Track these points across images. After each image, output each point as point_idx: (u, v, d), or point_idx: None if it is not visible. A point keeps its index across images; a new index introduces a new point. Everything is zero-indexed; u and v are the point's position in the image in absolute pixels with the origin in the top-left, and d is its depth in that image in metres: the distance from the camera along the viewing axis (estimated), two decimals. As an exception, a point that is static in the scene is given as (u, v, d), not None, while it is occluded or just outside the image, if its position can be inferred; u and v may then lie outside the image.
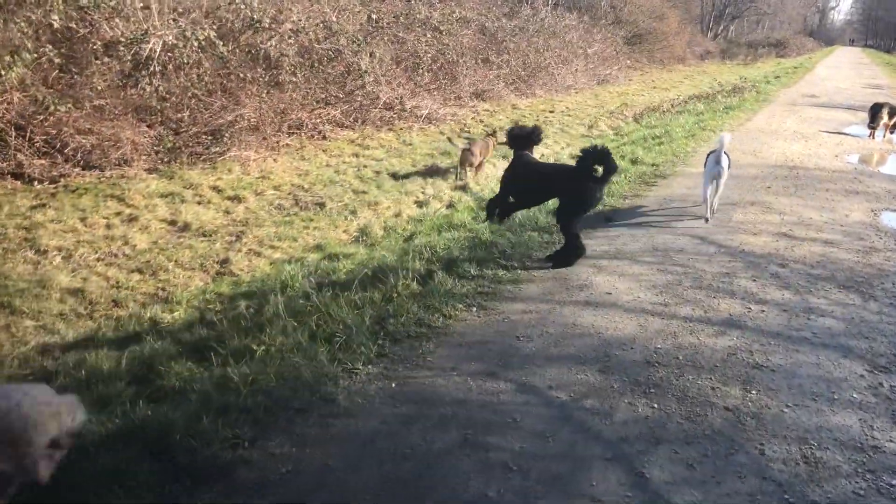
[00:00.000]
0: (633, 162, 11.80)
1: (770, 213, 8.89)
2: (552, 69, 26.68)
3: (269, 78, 15.08)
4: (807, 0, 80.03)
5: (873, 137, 15.66)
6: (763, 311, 5.76)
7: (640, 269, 6.72)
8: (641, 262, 6.90)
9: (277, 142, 14.09)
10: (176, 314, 6.21)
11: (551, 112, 21.30)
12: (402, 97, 17.92)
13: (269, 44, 15.19)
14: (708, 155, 8.74)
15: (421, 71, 20.02)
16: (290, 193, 11.33)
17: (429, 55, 20.49)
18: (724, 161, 8.41)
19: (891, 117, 15.61)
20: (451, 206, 11.14)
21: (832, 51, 70.85)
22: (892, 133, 15.77)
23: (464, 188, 11.49)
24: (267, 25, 15.34)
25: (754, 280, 6.47)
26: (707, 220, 8.49)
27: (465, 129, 17.22)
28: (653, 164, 11.65)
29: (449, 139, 14.35)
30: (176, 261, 7.70)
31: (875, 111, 15.51)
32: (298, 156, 13.52)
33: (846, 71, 36.34)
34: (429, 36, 21.20)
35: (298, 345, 4.90)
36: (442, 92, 20.43)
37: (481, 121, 18.54)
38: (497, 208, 7.33)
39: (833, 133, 16.15)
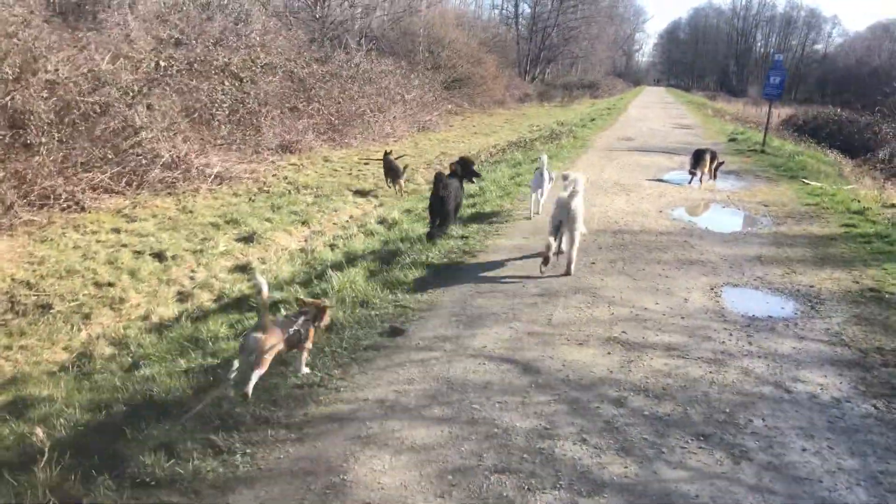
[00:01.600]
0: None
1: (597, 306, 7.02)
2: (368, 117, 24.66)
3: (10, 139, 12.11)
4: (614, 43, 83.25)
5: (693, 182, 14.85)
6: (599, 507, 3.70)
7: (424, 434, 4.49)
8: (427, 421, 4.66)
9: (13, 219, 11.10)
10: None
11: (366, 164, 19.19)
12: (188, 154, 15.21)
13: (7, 99, 12.22)
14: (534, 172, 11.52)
15: (216, 123, 17.42)
16: (5, 293, 8.53)
17: (226, 105, 17.93)
18: (546, 175, 11.29)
19: (712, 162, 15.02)
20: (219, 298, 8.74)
21: (640, 90, 73.72)
22: (713, 179, 14.81)
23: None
24: (10, 76, 12.39)
25: (582, 440, 4.41)
26: (530, 217, 11.16)
27: (265, 186, 14.77)
28: (462, 237, 9.66)
29: (253, 274, 9.44)
30: None
31: (698, 157, 15.03)
32: (39, 236, 10.62)
33: (656, 111, 36.76)
34: (227, 84, 18.64)
35: None
36: (242, 146, 17.85)
37: (285, 177, 16.14)
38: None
39: (653, 181, 14.97)
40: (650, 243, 9.57)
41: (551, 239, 7.86)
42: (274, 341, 4.90)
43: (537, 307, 6.89)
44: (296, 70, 22.97)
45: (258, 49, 21.38)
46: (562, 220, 7.92)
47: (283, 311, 6.75)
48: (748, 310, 7.15)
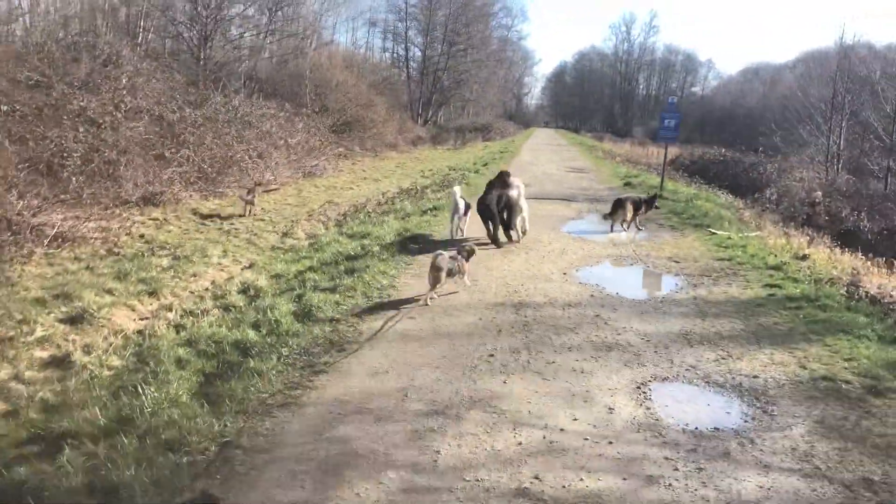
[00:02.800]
0: (305, 316, 7.86)
1: (500, 430, 5.21)
2: (246, 164, 22.47)
3: None
4: (505, 87, 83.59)
5: (616, 229, 14.38)
6: None
7: None
8: None
9: None
10: None
11: (241, 216, 17.04)
12: (20, 213, 12.72)
13: None
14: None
15: (65, 174, 14.96)
16: None
17: (77, 154, 15.50)
18: (461, 204, 12.58)
19: (635, 210, 14.50)
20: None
21: (531, 133, 73.85)
22: (635, 226, 14.52)
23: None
24: None
25: None
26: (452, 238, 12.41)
27: (116, 247, 12.44)
28: (331, 320, 7.74)
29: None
30: None
31: (618, 206, 14.48)
32: None
33: (548, 153, 35.88)
34: (81, 130, 16.21)
35: None
36: (94, 200, 15.39)
37: (141, 235, 13.80)
38: None
39: (552, 232, 13.51)
40: (558, 321, 7.91)
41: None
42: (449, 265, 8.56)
43: (419, 438, 5.02)
44: (165, 114, 20.66)
45: (123, 92, 19.03)
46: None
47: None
48: (689, 419, 5.53)
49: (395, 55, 59.46)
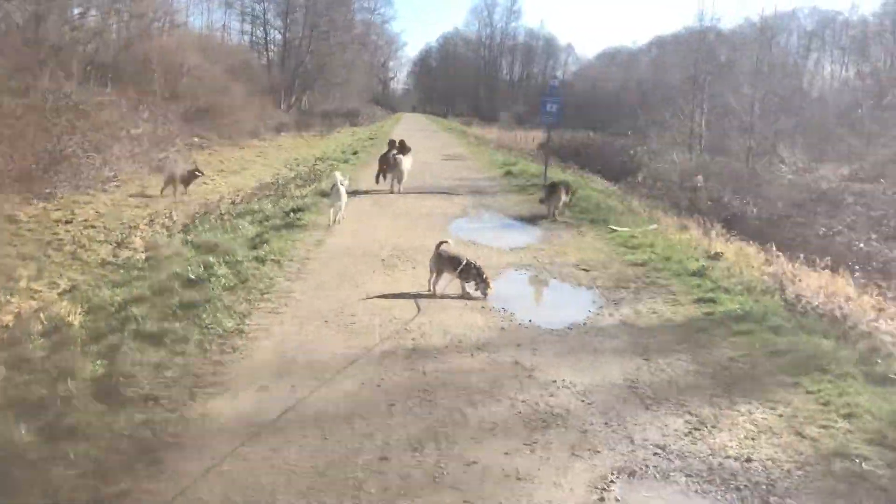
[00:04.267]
0: (111, 392, 5.35)
1: None
2: (79, 159, 19.09)
3: None
4: (370, 71, 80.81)
5: (552, 217, 13.63)
6: None
7: None
8: None
9: None
10: None
11: (68, 223, 14.04)
12: None
13: None
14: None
15: None
16: None
17: None
18: (342, 190, 12.27)
19: (567, 194, 14.08)
20: None
21: (399, 118, 71.33)
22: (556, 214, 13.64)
23: None
24: None
25: None
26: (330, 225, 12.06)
27: None
28: (147, 399, 5.25)
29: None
30: None
31: (553, 190, 13.94)
32: None
33: (420, 140, 33.29)
34: None
35: None
36: None
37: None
38: None
39: (440, 235, 11.46)
40: (468, 377, 5.76)
41: None
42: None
43: None
44: (-22, 103, 17.10)
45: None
46: None
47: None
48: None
49: (253, 38, 55.59)
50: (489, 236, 11.69)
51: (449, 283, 8.29)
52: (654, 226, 13.42)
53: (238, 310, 7.30)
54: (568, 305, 8.18)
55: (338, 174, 12.74)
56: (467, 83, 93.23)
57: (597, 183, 23.03)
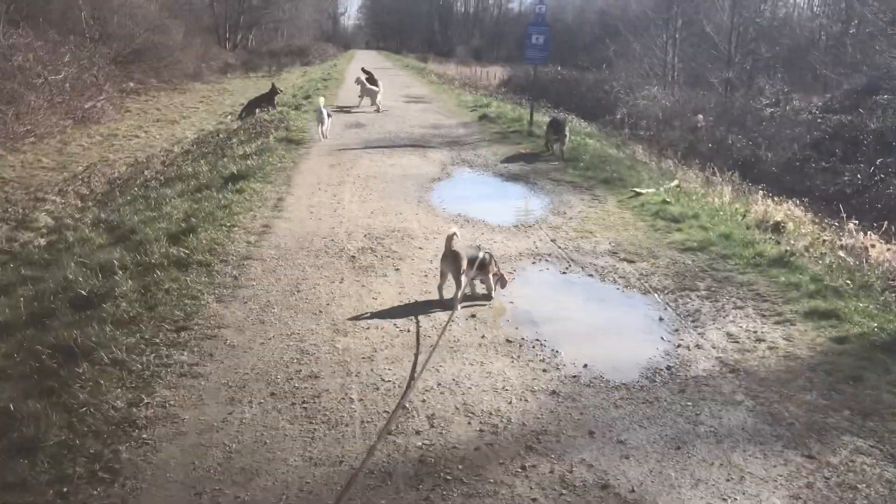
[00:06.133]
0: None
1: None
2: (-14, 112, 15.77)
3: None
4: (319, 6, 75.72)
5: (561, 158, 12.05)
6: None
7: None
8: None
9: None
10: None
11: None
12: None
13: None
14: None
15: None
16: None
17: None
18: (324, 112, 13.81)
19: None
20: None
21: (352, 55, 66.43)
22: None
23: None
24: None
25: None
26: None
27: None
28: None
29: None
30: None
31: (558, 126, 12.68)
32: None
33: (380, 81, 29.87)
34: None
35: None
36: None
37: None
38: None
39: (419, 209, 8.70)
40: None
41: None
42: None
43: None
44: None
45: None
46: None
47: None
48: None
49: (193, -29, 50.55)
50: (483, 207, 8.92)
51: (466, 286, 5.61)
52: (675, 182, 10.81)
53: (133, 369, 4.50)
54: (628, 327, 5.53)
55: (321, 100, 14.55)
56: (421, 17, 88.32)
57: (574, 124, 20.26)
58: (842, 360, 4.82)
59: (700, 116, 18.63)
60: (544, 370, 4.70)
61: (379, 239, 7.41)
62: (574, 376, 4.63)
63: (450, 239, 5.78)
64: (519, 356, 4.89)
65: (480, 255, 5.84)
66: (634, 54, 35.92)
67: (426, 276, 6.37)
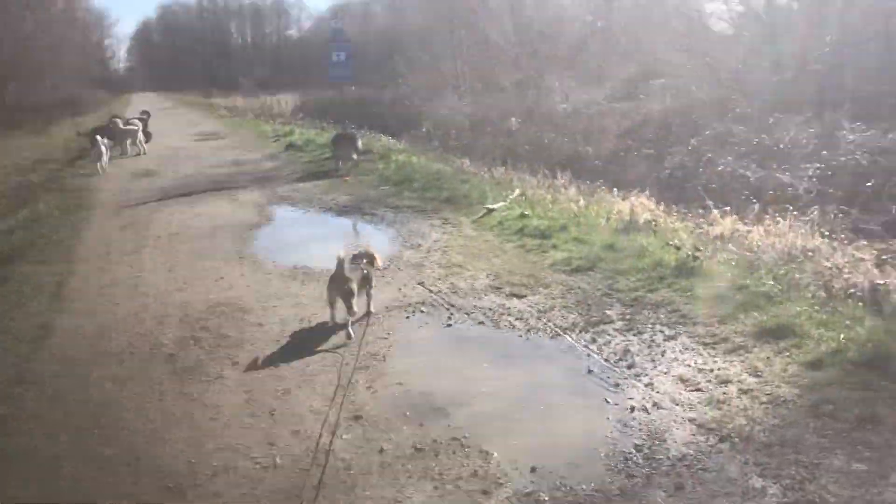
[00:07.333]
0: None
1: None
2: None
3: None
4: (85, 52, 69.42)
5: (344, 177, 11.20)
6: None
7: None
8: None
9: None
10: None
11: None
12: None
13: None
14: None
15: None
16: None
17: None
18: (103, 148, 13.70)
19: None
20: None
21: (129, 99, 61.72)
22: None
23: None
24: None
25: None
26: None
27: None
28: None
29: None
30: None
31: (340, 141, 12.37)
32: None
33: (164, 121, 26.45)
34: None
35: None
36: None
37: None
38: None
39: (241, 267, 6.96)
40: None
41: None
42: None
43: None
44: None
45: None
46: None
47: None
48: None
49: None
50: (322, 252, 7.29)
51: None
52: (518, 191, 9.80)
53: None
54: (556, 390, 4.19)
55: (98, 138, 14.00)
56: (196, 54, 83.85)
57: (384, 141, 19.03)
58: (835, 393, 3.78)
59: (513, 119, 18.05)
60: (484, 492, 3.26)
61: (201, 321, 5.58)
62: (527, 494, 3.22)
63: (341, 262, 5.19)
64: (441, 474, 3.41)
65: (364, 272, 5.41)
66: (425, 66, 35.46)
67: (278, 367, 4.70)
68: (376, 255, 5.77)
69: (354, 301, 5.21)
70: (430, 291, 5.96)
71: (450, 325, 5.28)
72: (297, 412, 4.13)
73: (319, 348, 4.98)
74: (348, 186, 10.97)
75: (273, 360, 4.86)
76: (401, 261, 6.83)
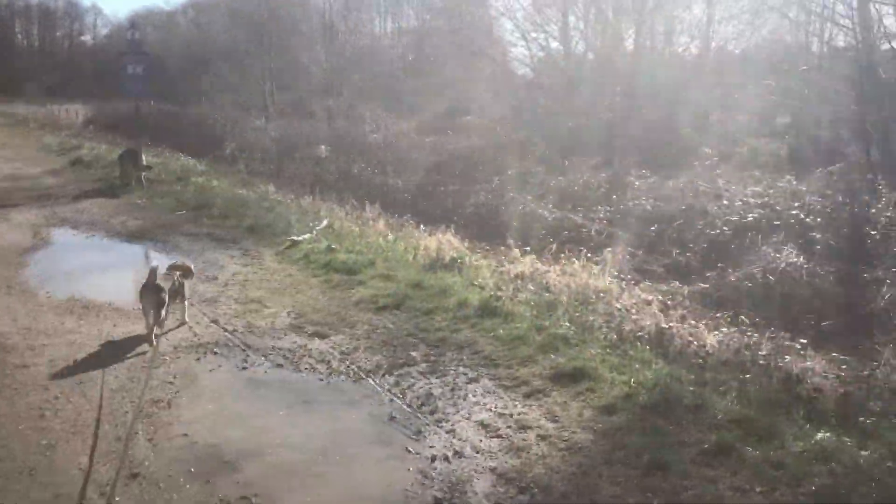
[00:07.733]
0: None
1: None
2: None
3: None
4: None
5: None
6: None
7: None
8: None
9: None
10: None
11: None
12: None
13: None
14: None
15: None
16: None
17: None
18: None
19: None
20: None
21: None
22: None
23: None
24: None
25: None
26: None
27: None
28: None
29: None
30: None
31: (126, 157, 11.78)
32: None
33: None
34: None
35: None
36: None
37: None
38: None
39: (10, 297, 6.13)
40: None
41: None
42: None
43: None
44: None
45: None
46: None
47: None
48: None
49: None
50: (104, 283, 6.67)
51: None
52: (325, 221, 9.55)
53: None
54: (356, 440, 3.98)
55: None
56: (-28, 51, 75.22)
57: (183, 161, 17.96)
58: (626, 438, 3.89)
59: (323, 147, 17.72)
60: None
61: None
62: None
63: (153, 272, 5.37)
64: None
65: (178, 283, 5.55)
66: (232, 86, 34.20)
67: (43, 417, 4.09)
68: (192, 267, 5.94)
69: (164, 310, 5.32)
70: (225, 330, 5.54)
71: (245, 368, 4.91)
72: (62, 470, 3.59)
73: (95, 394, 4.41)
74: (140, 210, 10.13)
75: (36, 407, 4.23)
76: (195, 296, 6.31)
